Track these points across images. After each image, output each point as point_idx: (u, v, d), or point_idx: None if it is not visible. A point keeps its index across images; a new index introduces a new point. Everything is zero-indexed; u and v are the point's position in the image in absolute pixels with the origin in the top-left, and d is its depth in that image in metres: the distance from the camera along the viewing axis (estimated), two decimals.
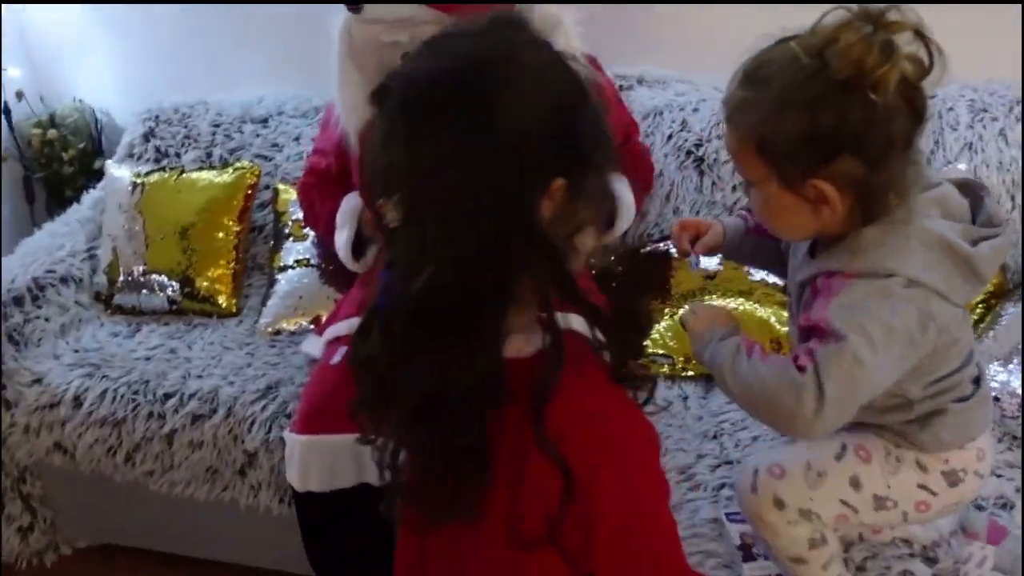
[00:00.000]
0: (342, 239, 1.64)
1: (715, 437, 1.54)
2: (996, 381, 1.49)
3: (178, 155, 2.23)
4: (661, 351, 1.70)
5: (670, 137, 1.97)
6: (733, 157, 1.03)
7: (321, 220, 1.74)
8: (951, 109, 1.85)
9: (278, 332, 1.95)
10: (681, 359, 1.69)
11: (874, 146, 0.92)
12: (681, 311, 1.11)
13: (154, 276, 2.04)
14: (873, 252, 0.97)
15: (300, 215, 2.03)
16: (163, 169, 2.14)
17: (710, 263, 1.77)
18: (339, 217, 1.64)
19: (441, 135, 0.74)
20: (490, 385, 0.77)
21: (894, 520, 1.13)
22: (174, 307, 2.04)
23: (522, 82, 0.75)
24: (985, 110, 1.84)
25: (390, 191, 0.77)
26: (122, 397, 1.80)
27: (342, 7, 1.55)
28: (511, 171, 0.74)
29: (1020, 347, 1.54)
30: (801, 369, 0.94)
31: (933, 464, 1.10)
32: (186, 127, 2.26)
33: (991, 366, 1.50)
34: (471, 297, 0.76)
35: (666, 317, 1.72)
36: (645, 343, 1.69)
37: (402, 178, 0.76)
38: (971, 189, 1.05)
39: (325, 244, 1.81)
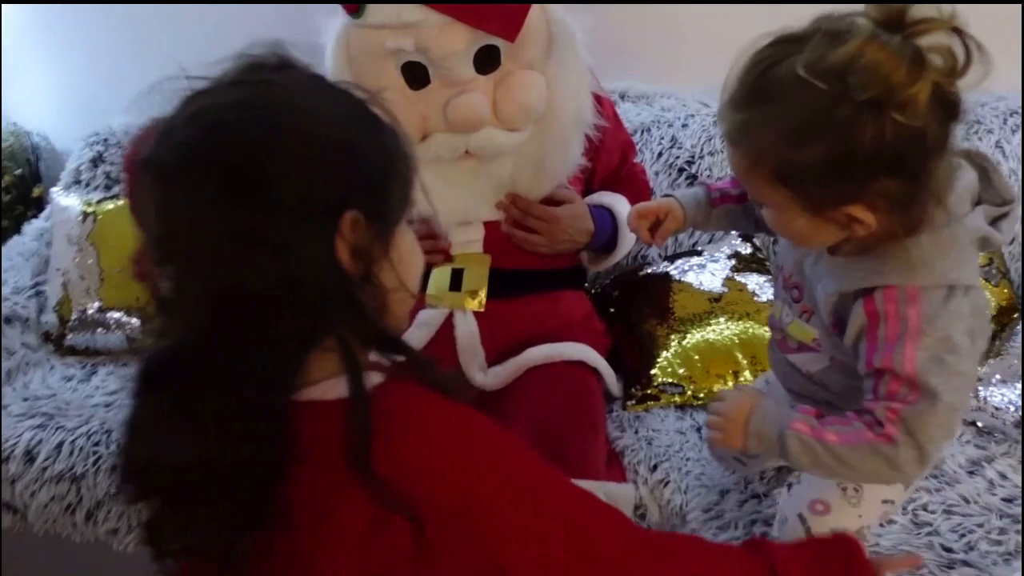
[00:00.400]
0: None
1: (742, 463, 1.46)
2: None
3: None
4: (670, 380, 1.61)
5: (660, 155, 1.90)
6: (743, 178, 0.94)
7: None
8: None
9: None
10: (691, 387, 1.61)
11: (912, 161, 0.84)
12: (706, 433, 1.07)
13: (111, 313, 1.87)
14: (931, 264, 0.90)
15: None
16: (117, 197, 1.98)
17: (714, 283, 1.70)
18: None
19: (206, 202, 0.72)
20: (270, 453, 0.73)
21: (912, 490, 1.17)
22: (133, 345, 1.87)
23: (284, 127, 0.74)
24: (979, 122, 1.82)
25: (163, 261, 0.75)
26: (81, 450, 1.63)
27: (330, 11, 1.44)
28: (288, 222, 0.72)
29: (1022, 363, 1.51)
30: (890, 438, 0.91)
31: None
32: None
33: (1017, 385, 1.46)
34: (253, 362, 0.73)
35: (673, 343, 1.64)
36: (652, 371, 1.63)
37: (174, 248, 0.74)
38: (975, 161, 0.99)
39: None
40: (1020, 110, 1.81)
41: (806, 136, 0.84)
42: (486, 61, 1.42)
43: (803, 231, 0.93)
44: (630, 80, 2.07)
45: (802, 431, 0.95)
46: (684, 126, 1.92)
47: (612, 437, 1.52)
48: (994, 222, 0.95)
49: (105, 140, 2.10)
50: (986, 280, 1.63)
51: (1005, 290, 1.65)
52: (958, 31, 0.81)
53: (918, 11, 0.81)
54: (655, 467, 1.45)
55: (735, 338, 1.62)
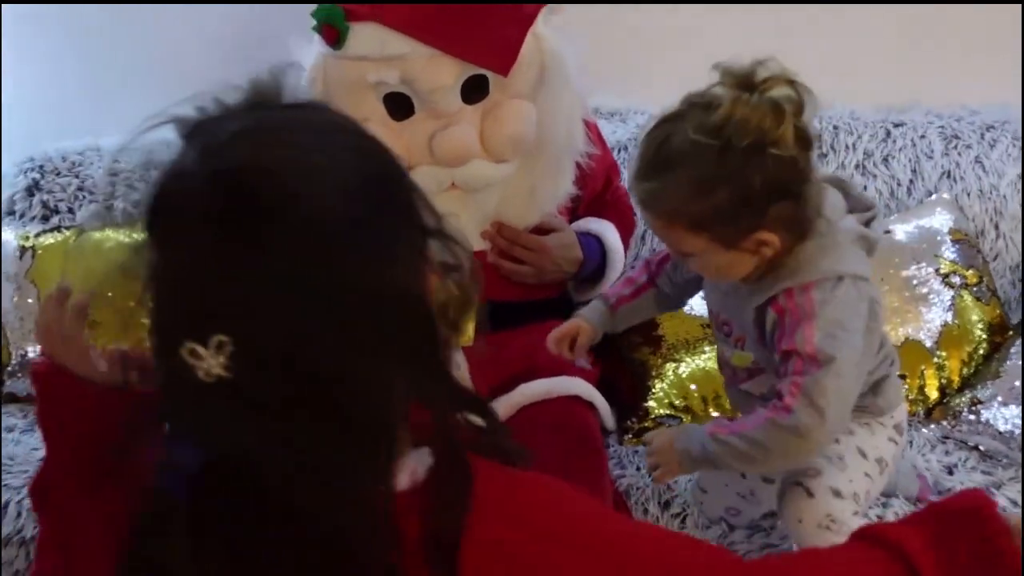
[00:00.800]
0: None
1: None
2: None
3: (71, 211, 1.90)
4: (666, 412, 1.55)
5: None
6: (662, 236, 1.11)
7: None
8: (923, 137, 1.82)
9: None
10: (689, 418, 1.55)
11: (794, 186, 1.03)
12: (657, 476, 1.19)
13: None
14: (817, 263, 1.08)
15: None
16: (57, 229, 1.83)
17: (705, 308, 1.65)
18: None
19: (275, 245, 0.60)
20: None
21: (886, 480, 1.23)
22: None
23: (335, 149, 0.65)
24: (957, 136, 1.81)
25: (205, 330, 0.60)
26: (29, 510, 1.48)
27: (300, 31, 1.35)
28: (381, 250, 0.63)
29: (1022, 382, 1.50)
30: (787, 408, 1.05)
31: (887, 422, 1.22)
32: (78, 177, 1.93)
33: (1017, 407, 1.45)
34: (346, 443, 0.61)
35: (668, 373, 1.58)
36: (648, 403, 1.57)
37: (232, 310, 0.60)
38: (835, 183, 1.17)
39: None
40: (996, 124, 1.81)
41: (710, 185, 1.01)
42: (473, 90, 1.35)
43: (724, 265, 1.09)
44: (601, 96, 2.01)
45: (717, 432, 1.10)
46: None
47: (614, 476, 1.45)
48: (866, 225, 1.14)
49: (41, 167, 1.94)
50: (977, 299, 1.62)
51: (996, 309, 1.64)
52: (791, 82, 1.01)
53: (761, 73, 1.01)
54: (667, 503, 1.39)
55: None
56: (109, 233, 1.80)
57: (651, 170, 1.05)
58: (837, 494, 1.14)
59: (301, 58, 1.35)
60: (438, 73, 1.30)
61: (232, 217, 0.60)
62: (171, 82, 2.06)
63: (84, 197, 1.92)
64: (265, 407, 0.61)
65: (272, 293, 0.60)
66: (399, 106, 1.34)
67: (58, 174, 1.94)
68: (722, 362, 1.27)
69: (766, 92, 1.00)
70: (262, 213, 0.60)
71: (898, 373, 1.23)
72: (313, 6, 1.85)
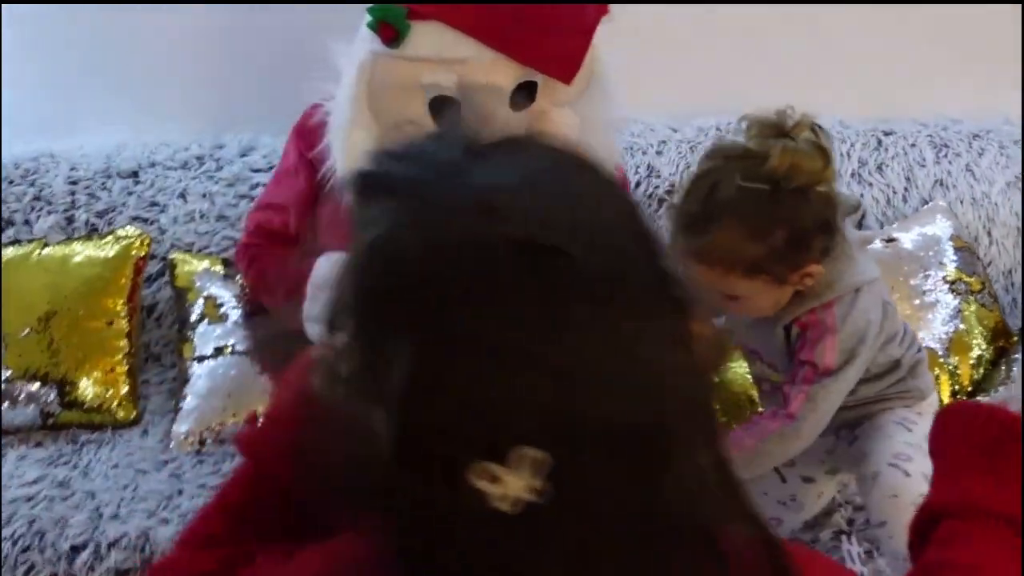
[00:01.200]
0: (315, 311, 1.33)
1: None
2: None
3: (28, 222, 1.74)
4: None
5: (638, 184, 1.81)
6: (712, 284, 1.11)
7: (282, 291, 1.41)
8: (914, 145, 1.84)
9: (203, 442, 1.55)
10: None
11: (832, 218, 1.10)
12: None
13: (19, 383, 1.57)
14: (838, 280, 1.13)
15: (212, 291, 1.66)
16: (17, 242, 1.67)
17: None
18: (312, 285, 1.32)
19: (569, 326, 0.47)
20: None
21: None
22: (49, 421, 1.58)
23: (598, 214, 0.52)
24: (947, 145, 1.84)
25: (503, 445, 0.46)
26: (6, 559, 1.35)
27: (326, 26, 1.26)
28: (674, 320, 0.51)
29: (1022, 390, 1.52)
30: (791, 416, 1.13)
31: (929, 409, 1.24)
32: (34, 185, 1.77)
33: None
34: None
35: None
36: None
37: (539, 415, 0.46)
38: None
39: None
40: (982, 133, 1.85)
41: (767, 229, 1.06)
42: (520, 95, 1.28)
43: (772, 302, 1.14)
44: None
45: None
46: (659, 153, 1.84)
47: None
48: (860, 224, 1.27)
49: None
50: (981, 305, 1.65)
51: (998, 315, 1.66)
52: (813, 127, 1.08)
53: (788, 121, 1.07)
54: None
55: (749, 376, 1.54)
56: (75, 247, 1.66)
57: (701, 222, 1.08)
58: (926, 478, 1.13)
59: (336, 57, 1.26)
60: (496, 78, 1.24)
61: (539, 290, 0.47)
62: (131, 82, 1.95)
63: (42, 208, 1.76)
64: (594, 531, 0.48)
65: (598, 381, 0.47)
66: (444, 110, 1.27)
67: (12, 182, 1.77)
68: (759, 379, 1.31)
69: (799, 136, 1.06)
70: (571, 283, 0.47)
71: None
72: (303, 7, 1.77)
